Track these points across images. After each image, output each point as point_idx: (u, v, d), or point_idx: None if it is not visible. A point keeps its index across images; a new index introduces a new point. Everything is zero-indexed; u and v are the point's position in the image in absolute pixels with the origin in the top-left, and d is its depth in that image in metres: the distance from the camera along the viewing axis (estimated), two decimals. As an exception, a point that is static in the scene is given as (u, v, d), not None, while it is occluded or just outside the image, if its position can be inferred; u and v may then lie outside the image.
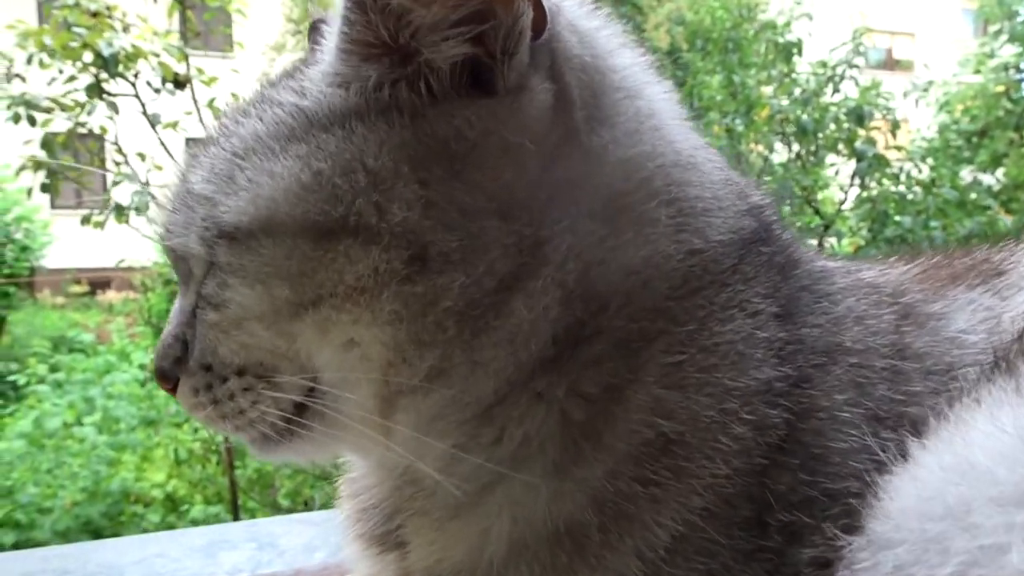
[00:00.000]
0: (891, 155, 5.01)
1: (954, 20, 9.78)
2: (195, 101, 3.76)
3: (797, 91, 5.19)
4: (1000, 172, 6.45)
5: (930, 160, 6.28)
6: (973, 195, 5.71)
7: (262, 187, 0.53)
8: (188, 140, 4.29)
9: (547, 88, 0.54)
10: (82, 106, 3.66)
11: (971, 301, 0.58)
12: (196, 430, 5.73)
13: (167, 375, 0.60)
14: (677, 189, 0.57)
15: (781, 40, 5.30)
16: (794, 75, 5.32)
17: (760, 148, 5.67)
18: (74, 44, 3.41)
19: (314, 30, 0.72)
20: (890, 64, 10.44)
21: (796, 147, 5.22)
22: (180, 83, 3.74)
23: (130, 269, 7.22)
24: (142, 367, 6.82)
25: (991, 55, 6.78)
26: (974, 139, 6.35)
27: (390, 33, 0.52)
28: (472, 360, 0.54)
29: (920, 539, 0.41)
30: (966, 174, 6.37)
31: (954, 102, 6.65)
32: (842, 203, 5.04)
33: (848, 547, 0.45)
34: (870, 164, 4.63)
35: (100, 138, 3.93)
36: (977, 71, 6.74)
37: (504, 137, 0.53)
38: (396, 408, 0.55)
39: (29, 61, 3.65)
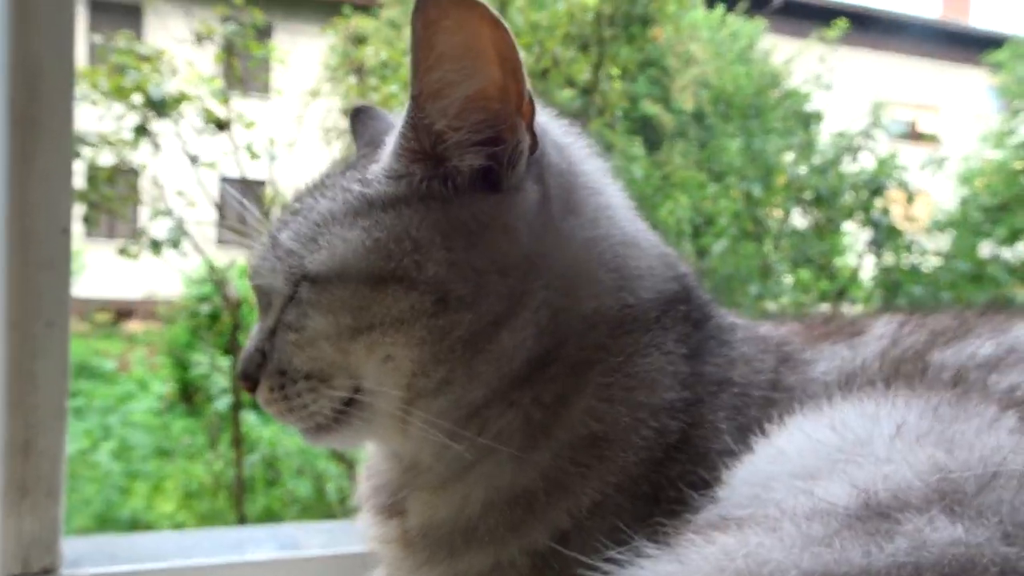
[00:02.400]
0: (907, 226, 5.14)
1: (979, 96, 9.98)
2: (234, 143, 3.99)
3: (816, 159, 5.36)
4: (1020, 247, 6.55)
5: (950, 232, 6.41)
6: (990, 269, 5.80)
7: (337, 247, 0.74)
8: (223, 179, 4.53)
9: (535, 189, 0.76)
10: (128, 143, 3.89)
11: (834, 353, 0.78)
12: (208, 464, 5.86)
13: (250, 377, 0.79)
14: (620, 261, 0.79)
15: (802, 109, 5.49)
16: (813, 144, 5.50)
17: (778, 213, 5.83)
18: (126, 85, 3.66)
19: (355, 117, 0.96)
20: (914, 136, 10.61)
21: (814, 215, 5.37)
22: (221, 126, 3.96)
23: (155, 302, 7.45)
24: (160, 397, 7.00)
25: (1012, 132, 6.93)
26: (994, 213, 6.47)
27: (431, 145, 0.74)
28: (469, 373, 0.74)
29: (742, 495, 0.61)
30: (986, 247, 6.48)
31: (975, 177, 6.79)
32: (856, 270, 5.17)
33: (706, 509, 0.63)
34: (885, 234, 4.77)
35: (137, 173, 4.15)
36: (998, 147, 6.89)
37: (506, 221, 0.74)
38: (414, 407, 0.75)
39: (81, 99, 3.90)
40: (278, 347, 0.78)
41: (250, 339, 0.81)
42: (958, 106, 10.70)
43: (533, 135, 0.74)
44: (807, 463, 0.59)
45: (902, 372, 0.68)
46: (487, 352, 0.73)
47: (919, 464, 0.53)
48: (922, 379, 0.66)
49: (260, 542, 1.06)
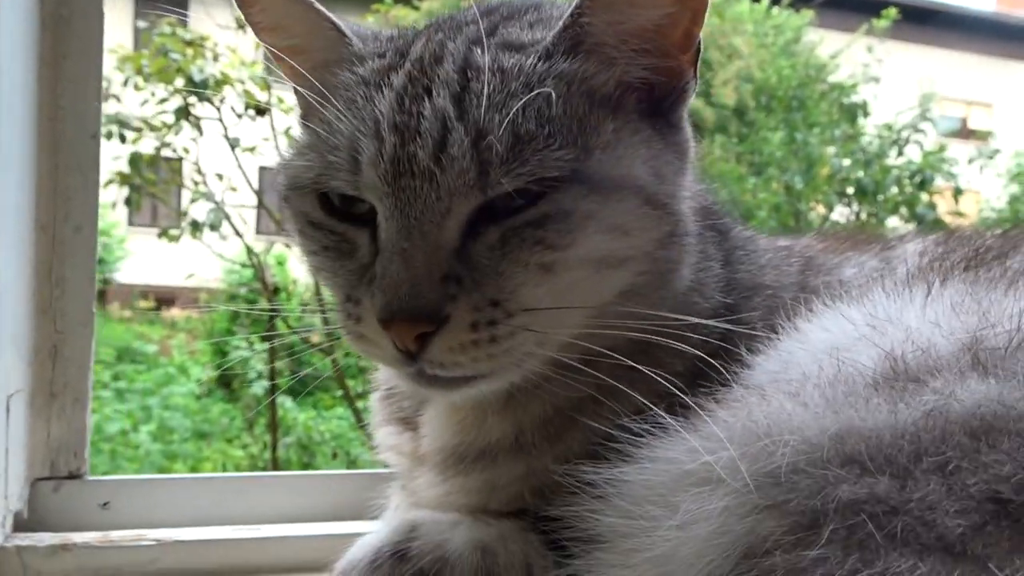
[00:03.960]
0: (953, 221, 5.01)
1: (1033, 92, 9.69)
2: (273, 128, 4.03)
3: (860, 152, 5.26)
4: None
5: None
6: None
7: (626, 150, 0.70)
8: (261, 168, 4.59)
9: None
10: (169, 127, 3.96)
11: (861, 262, 0.79)
12: (245, 446, 5.96)
13: (438, 315, 0.63)
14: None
15: (846, 101, 5.38)
16: (858, 136, 5.39)
17: (821, 208, 5.72)
18: (169, 69, 3.73)
19: None
20: (965, 133, 10.34)
21: (856, 208, 5.26)
22: (261, 111, 4.00)
23: (196, 289, 7.60)
24: (199, 381, 7.14)
25: (1067, 129, 6.73)
26: (1046, 212, 6.29)
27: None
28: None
29: (767, 372, 0.62)
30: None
31: (1027, 174, 6.61)
32: (900, 266, 5.05)
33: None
34: (930, 229, 4.66)
35: (180, 158, 4.22)
36: (1052, 144, 6.70)
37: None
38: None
39: (125, 83, 3.97)
40: (495, 270, 0.64)
41: (399, 263, 0.63)
42: (1012, 103, 10.40)
43: (695, 78, 0.72)
44: (833, 338, 0.58)
45: (935, 269, 0.67)
46: (669, 284, 0.72)
47: (951, 330, 0.52)
48: (957, 271, 0.65)
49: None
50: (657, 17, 0.67)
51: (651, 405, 0.62)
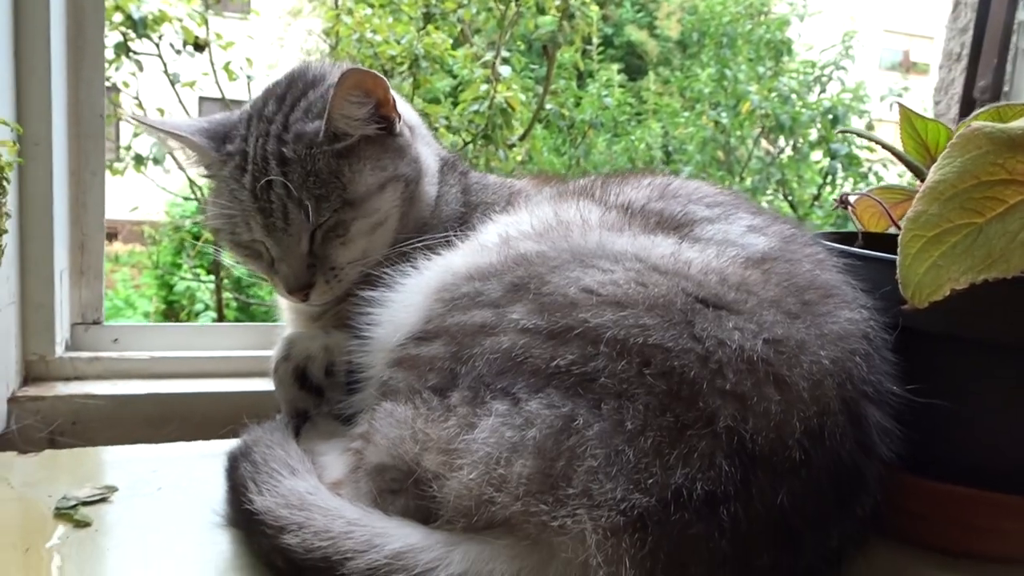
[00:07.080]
0: (868, 156, 5.53)
1: (972, 26, 10.15)
2: (212, 63, 4.34)
3: (784, 89, 5.71)
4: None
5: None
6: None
7: (356, 178, 1.26)
8: (202, 99, 4.85)
9: (407, 130, 1.32)
10: (110, 63, 4.24)
11: (546, 192, 1.34)
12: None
13: (307, 285, 1.24)
14: (437, 153, 1.40)
15: (768, 37, 5.80)
16: (780, 74, 5.83)
17: (751, 143, 6.19)
18: (107, 5, 3.99)
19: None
20: (907, 66, 10.87)
21: (776, 143, 5.75)
22: (200, 46, 4.29)
23: (139, 222, 7.82)
24: (146, 315, 7.49)
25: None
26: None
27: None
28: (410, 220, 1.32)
29: (461, 247, 1.16)
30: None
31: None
32: (816, 198, 5.57)
33: None
34: (842, 163, 5.17)
35: (118, 91, 4.49)
36: (974, 79, 7.19)
37: (402, 143, 1.32)
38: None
39: (64, 19, 4.20)
40: (325, 254, 1.23)
41: (287, 267, 1.23)
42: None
43: (398, 114, 1.28)
44: (496, 228, 1.16)
45: (561, 195, 1.27)
46: (421, 203, 1.30)
47: (534, 222, 1.12)
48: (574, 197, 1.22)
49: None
50: (370, 107, 1.22)
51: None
